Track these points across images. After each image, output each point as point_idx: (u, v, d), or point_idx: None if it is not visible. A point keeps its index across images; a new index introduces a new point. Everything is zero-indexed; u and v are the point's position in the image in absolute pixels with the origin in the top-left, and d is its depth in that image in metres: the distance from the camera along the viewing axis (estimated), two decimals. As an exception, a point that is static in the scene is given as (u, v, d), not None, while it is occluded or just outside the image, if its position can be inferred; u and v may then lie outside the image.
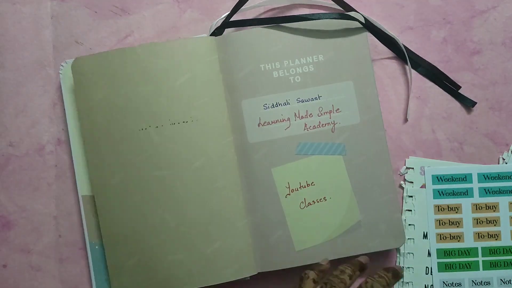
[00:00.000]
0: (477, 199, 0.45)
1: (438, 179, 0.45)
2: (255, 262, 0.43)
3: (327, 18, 0.43)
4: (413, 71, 0.45)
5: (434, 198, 0.45)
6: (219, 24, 0.44)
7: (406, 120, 0.45)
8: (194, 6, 0.46)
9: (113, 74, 0.43)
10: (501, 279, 0.44)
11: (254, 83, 0.43)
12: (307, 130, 0.43)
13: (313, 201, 0.43)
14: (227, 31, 0.45)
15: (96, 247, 0.44)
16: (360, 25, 0.43)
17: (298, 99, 0.43)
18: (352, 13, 0.43)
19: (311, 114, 0.43)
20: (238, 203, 0.43)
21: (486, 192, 0.45)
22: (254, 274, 0.42)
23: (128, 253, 0.43)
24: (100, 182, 0.43)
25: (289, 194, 0.43)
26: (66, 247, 0.46)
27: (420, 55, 0.45)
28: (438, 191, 0.45)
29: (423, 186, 0.45)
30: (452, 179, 0.45)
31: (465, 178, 0.45)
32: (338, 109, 0.43)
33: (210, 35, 0.44)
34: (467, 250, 0.44)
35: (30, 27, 0.46)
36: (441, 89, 0.45)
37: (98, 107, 0.43)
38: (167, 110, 0.42)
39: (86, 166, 0.44)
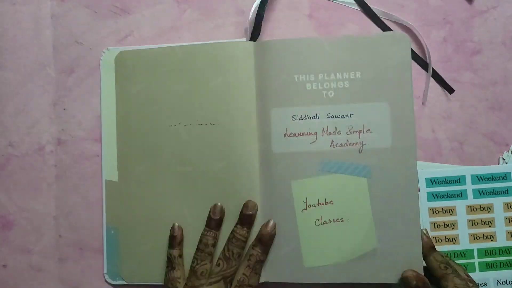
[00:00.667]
0: (471, 200, 0.45)
1: (432, 182, 0.45)
2: (263, 270, 0.42)
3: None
4: (415, 72, 0.45)
5: (428, 201, 0.45)
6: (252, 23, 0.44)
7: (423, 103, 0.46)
8: (193, 6, 0.46)
9: (152, 70, 0.44)
10: (497, 280, 0.44)
11: (286, 92, 0.42)
12: (333, 147, 0.42)
13: (329, 220, 0.42)
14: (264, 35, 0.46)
15: (112, 231, 0.45)
16: (405, 46, 0.42)
17: (328, 115, 0.42)
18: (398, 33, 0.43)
19: (339, 131, 0.42)
20: None
21: (480, 193, 0.45)
22: (261, 282, 0.42)
23: (141, 239, 0.44)
24: (126, 167, 0.45)
25: (306, 209, 0.42)
26: (66, 247, 0.46)
27: (419, 55, 0.46)
28: (432, 194, 0.45)
29: (417, 190, 0.45)
30: (446, 181, 0.45)
31: (458, 180, 0.45)
32: (369, 129, 0.42)
33: (249, 40, 0.44)
34: (463, 252, 0.44)
35: (30, 27, 0.46)
36: (441, 89, 0.45)
37: (134, 98, 0.45)
38: (197, 111, 0.43)
39: (116, 152, 0.45)
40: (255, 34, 0.44)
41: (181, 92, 0.44)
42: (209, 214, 0.43)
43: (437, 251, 0.40)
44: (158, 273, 0.44)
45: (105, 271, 0.45)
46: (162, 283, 0.43)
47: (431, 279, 0.39)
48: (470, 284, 0.38)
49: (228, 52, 0.43)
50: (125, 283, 0.44)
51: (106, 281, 0.45)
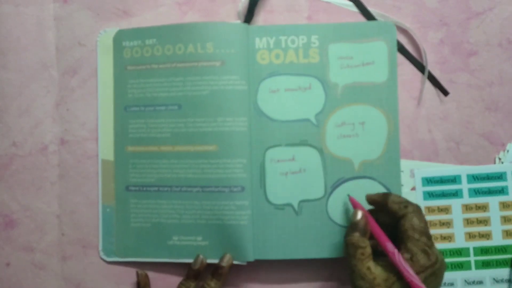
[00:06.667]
0: (466, 199, 0.45)
1: (428, 181, 0.45)
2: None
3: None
4: (411, 73, 0.46)
5: (424, 199, 0.45)
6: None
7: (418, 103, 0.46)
8: (195, 8, 0.47)
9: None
10: (493, 278, 0.45)
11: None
12: None
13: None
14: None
15: (108, 210, 0.45)
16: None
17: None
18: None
19: None
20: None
21: (476, 192, 0.45)
22: (251, 261, 0.43)
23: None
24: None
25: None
26: (69, 245, 0.46)
27: (415, 57, 0.46)
28: (428, 193, 0.45)
29: (413, 189, 0.45)
30: (442, 180, 0.45)
31: (454, 179, 0.45)
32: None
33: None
34: (459, 250, 0.45)
35: (33, 28, 0.47)
36: (437, 90, 0.46)
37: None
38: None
39: (113, 132, 0.46)
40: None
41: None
42: (189, 265, 0.44)
43: (393, 194, 0.40)
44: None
45: (100, 248, 0.46)
46: (154, 260, 0.45)
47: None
48: (427, 228, 0.38)
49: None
50: (119, 259, 0.45)
51: (101, 258, 0.46)
